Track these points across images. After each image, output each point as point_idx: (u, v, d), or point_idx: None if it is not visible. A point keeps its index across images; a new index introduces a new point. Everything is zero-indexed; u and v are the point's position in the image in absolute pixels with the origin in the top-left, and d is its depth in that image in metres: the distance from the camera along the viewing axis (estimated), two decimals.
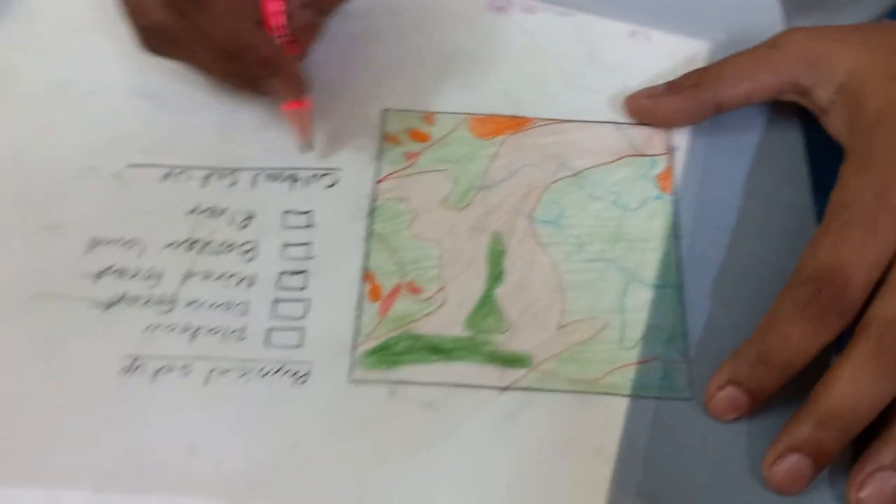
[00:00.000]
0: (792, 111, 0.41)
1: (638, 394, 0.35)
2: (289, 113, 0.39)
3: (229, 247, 0.38)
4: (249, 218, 0.39)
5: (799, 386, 0.33)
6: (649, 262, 0.38)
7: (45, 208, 0.39)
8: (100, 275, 0.37)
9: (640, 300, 0.37)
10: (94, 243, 0.38)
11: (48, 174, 0.40)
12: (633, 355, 0.35)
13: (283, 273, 0.37)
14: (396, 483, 0.33)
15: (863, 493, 0.31)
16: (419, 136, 0.41)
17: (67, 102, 0.42)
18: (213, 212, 0.39)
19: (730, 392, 0.34)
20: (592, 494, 0.33)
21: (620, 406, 0.35)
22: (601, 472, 0.33)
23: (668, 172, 0.40)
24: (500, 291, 0.37)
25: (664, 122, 0.41)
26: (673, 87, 0.40)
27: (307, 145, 0.40)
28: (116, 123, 0.41)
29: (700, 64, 0.42)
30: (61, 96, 0.42)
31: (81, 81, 0.43)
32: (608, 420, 0.34)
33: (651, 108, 0.40)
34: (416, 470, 0.33)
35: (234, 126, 0.41)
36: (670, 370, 0.35)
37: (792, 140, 0.41)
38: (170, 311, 0.36)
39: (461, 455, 0.33)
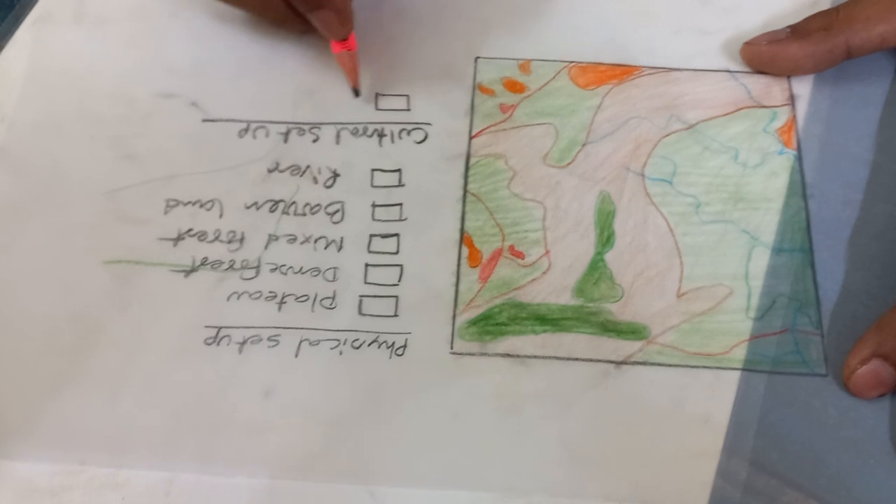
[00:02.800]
0: None
1: (768, 369, 0.31)
2: (339, 55, 0.36)
3: (315, 208, 0.35)
4: (335, 176, 0.36)
5: None
6: (774, 224, 0.34)
7: (122, 136, 0.37)
8: (179, 238, 0.34)
9: (767, 265, 0.33)
10: (172, 204, 0.35)
11: (124, 99, 0.38)
12: (761, 326, 0.32)
13: (373, 236, 0.34)
14: (501, 457, 0.30)
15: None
16: (515, 87, 0.38)
17: (146, 27, 0.40)
18: (296, 170, 0.36)
19: (875, 366, 0.30)
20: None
21: (746, 381, 0.31)
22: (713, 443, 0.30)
23: (790, 125, 0.36)
24: (610, 255, 0.34)
25: (788, 70, 0.37)
26: (799, 31, 0.36)
27: (357, 90, 0.37)
28: (194, 50, 0.39)
29: (824, 6, 0.38)
30: (139, 20, 0.40)
31: (160, 7, 0.40)
32: (735, 397, 0.31)
33: (774, 54, 0.37)
34: (528, 449, 0.30)
35: (316, 77, 0.38)
36: (803, 343, 0.32)
37: None
38: (254, 277, 0.34)
39: (573, 432, 0.30)
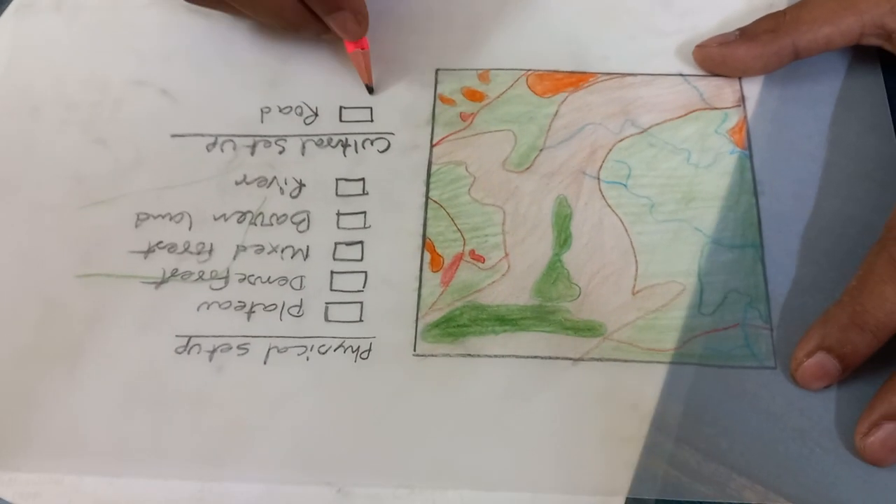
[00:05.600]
0: (872, 56, 0.39)
1: (719, 363, 0.33)
2: (353, 54, 0.37)
3: (281, 217, 0.36)
4: (300, 187, 0.37)
5: (892, 348, 0.31)
6: (726, 222, 0.35)
7: (93, 120, 0.39)
8: (150, 250, 0.36)
9: (718, 262, 0.35)
10: (142, 218, 0.36)
11: (98, 84, 0.40)
12: (712, 322, 0.33)
13: (338, 244, 0.36)
14: (465, 455, 0.31)
15: (869, 439, 0.30)
16: (474, 96, 0.39)
17: (120, 15, 0.42)
18: (263, 181, 0.37)
19: (820, 358, 0.31)
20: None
21: (698, 375, 0.33)
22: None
23: (741, 126, 0.37)
24: (567, 256, 0.35)
25: (737, 72, 0.38)
26: (747, 34, 0.38)
27: (370, 86, 0.39)
28: (166, 38, 0.41)
29: (779, 8, 0.39)
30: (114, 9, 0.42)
31: None
32: (687, 390, 0.32)
33: (724, 56, 0.38)
34: (489, 446, 0.31)
35: (283, 90, 0.39)
36: (753, 337, 0.33)
37: (873, 87, 0.39)
38: (223, 287, 0.35)
39: (535, 428, 0.32)
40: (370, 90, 0.39)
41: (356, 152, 0.38)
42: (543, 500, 0.31)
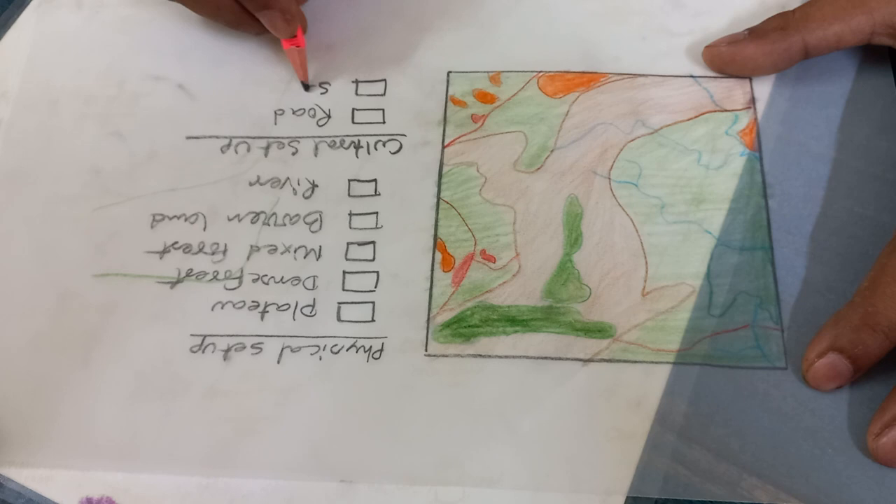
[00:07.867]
0: (883, 57, 0.39)
1: (730, 364, 0.33)
2: (289, 51, 0.38)
3: (294, 218, 0.36)
4: (313, 187, 0.37)
5: None
6: (736, 224, 0.35)
7: (110, 113, 0.39)
8: (165, 251, 0.36)
9: (728, 264, 0.35)
10: (158, 219, 0.37)
11: (115, 78, 0.40)
12: (722, 323, 0.33)
13: (350, 244, 0.36)
14: (474, 454, 0.32)
15: (881, 440, 0.30)
16: (486, 98, 0.39)
17: (139, 12, 0.42)
18: (276, 182, 0.37)
19: (831, 359, 0.31)
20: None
21: (708, 376, 0.33)
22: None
23: (751, 127, 0.38)
24: (578, 256, 0.35)
25: (747, 70, 0.38)
26: (757, 32, 0.38)
27: (306, 84, 0.39)
28: (184, 35, 0.41)
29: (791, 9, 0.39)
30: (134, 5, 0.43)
31: None
32: (698, 391, 0.32)
33: (733, 54, 0.38)
34: (496, 446, 0.32)
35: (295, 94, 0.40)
36: (763, 338, 0.33)
37: (884, 88, 0.39)
38: (237, 287, 0.35)
39: (543, 429, 0.32)
40: (306, 87, 0.39)
41: (368, 153, 0.38)
42: (544, 498, 0.31)
